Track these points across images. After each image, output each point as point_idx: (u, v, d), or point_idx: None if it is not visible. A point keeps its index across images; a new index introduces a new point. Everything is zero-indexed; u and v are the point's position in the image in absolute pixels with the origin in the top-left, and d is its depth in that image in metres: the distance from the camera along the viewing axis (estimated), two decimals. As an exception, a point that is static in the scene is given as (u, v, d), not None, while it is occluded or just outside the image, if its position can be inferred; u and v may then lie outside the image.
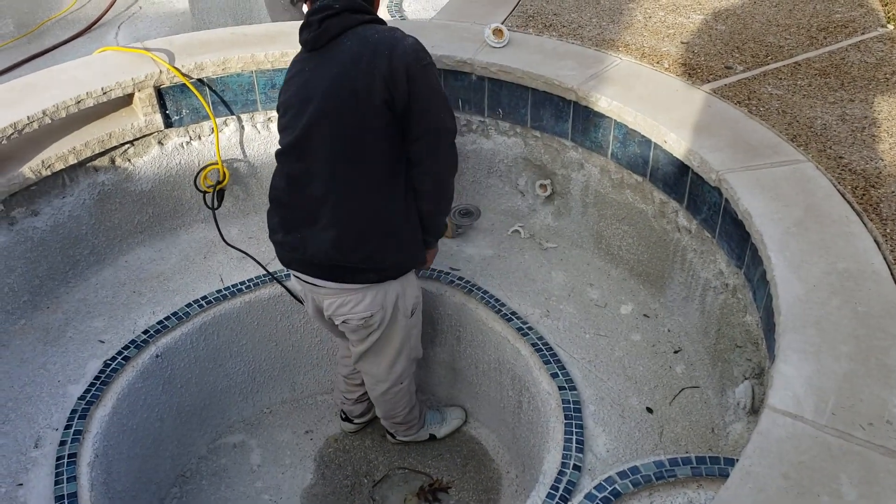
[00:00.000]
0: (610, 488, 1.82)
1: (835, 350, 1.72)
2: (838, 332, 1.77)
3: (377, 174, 2.26)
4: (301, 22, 2.30)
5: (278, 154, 2.39)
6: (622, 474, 1.84)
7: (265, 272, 2.96)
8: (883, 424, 1.56)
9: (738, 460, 1.81)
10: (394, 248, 2.37)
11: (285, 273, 2.95)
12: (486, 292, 2.88)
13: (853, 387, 1.64)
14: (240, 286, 2.94)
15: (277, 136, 3.15)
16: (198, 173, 3.06)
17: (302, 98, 2.27)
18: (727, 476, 1.83)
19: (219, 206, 3.13)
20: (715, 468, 1.83)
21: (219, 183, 3.08)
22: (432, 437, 3.11)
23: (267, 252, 3.07)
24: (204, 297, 2.87)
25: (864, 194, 2.19)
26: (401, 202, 2.33)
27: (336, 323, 2.50)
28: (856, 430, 1.55)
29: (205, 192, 3.09)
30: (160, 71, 2.80)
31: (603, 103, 2.68)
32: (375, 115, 2.19)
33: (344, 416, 3.14)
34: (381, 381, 2.71)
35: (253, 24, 3.38)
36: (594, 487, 1.82)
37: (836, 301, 1.84)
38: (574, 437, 2.37)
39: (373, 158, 2.25)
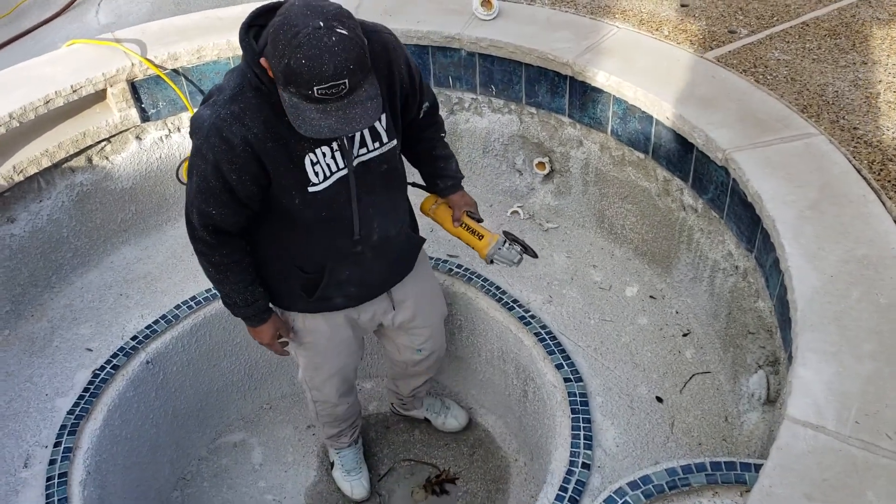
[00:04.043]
0: (620, 501, 1.73)
1: (857, 349, 1.61)
2: (860, 328, 1.66)
3: None
4: None
5: None
6: (633, 485, 1.75)
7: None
8: (911, 432, 1.46)
9: (755, 466, 1.72)
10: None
11: None
12: (486, 280, 2.77)
13: (878, 390, 1.53)
14: (230, 283, 2.83)
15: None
16: (179, 166, 2.93)
17: None
18: (743, 482, 1.75)
19: (203, 198, 3.01)
20: (731, 474, 1.73)
21: None
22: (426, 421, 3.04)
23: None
24: (193, 298, 2.76)
25: (881, 169, 2.06)
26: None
27: None
28: (881, 440, 1.45)
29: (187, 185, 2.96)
30: (132, 64, 2.66)
31: (601, 78, 2.53)
32: None
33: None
34: None
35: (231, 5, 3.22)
36: (604, 501, 1.73)
37: (856, 293, 1.73)
38: (582, 432, 2.28)
39: None
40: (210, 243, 1.96)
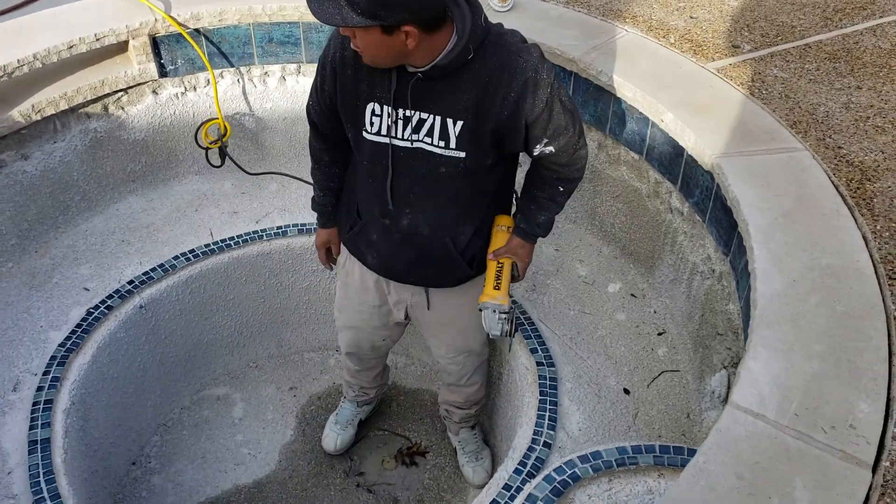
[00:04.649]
0: (570, 472, 1.81)
1: (807, 349, 1.69)
2: (813, 330, 1.73)
3: None
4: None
5: None
6: (583, 458, 1.83)
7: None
8: (845, 428, 1.53)
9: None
10: None
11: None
12: (474, 262, 2.85)
13: (821, 388, 1.61)
14: (229, 241, 2.93)
15: (273, 91, 3.15)
16: (198, 129, 3.02)
17: None
18: (689, 467, 1.83)
19: (222, 163, 3.09)
20: (678, 458, 1.81)
21: (221, 138, 3.04)
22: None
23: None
24: (192, 251, 2.86)
25: (858, 187, 2.14)
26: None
27: None
28: (817, 433, 1.53)
29: (207, 149, 3.05)
30: (155, 19, 2.76)
31: (603, 77, 2.61)
32: None
33: None
34: None
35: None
36: (554, 470, 1.82)
37: (816, 298, 1.80)
38: (547, 413, 2.36)
39: None
40: (311, 128, 2.19)
